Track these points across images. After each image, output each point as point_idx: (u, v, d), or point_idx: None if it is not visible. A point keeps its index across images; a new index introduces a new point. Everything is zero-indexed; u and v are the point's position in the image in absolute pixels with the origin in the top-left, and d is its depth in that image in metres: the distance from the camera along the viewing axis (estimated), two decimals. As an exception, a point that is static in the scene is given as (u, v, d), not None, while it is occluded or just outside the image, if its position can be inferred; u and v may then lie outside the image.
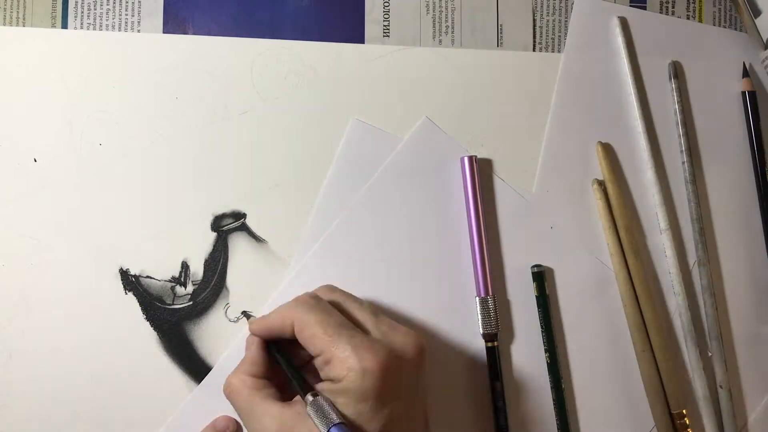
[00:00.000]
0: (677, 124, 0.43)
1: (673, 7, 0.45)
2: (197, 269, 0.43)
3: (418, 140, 0.43)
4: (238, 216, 0.43)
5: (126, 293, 0.42)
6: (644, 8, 0.45)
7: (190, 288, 0.43)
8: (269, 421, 0.33)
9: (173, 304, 0.42)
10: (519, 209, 0.43)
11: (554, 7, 0.45)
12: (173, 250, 0.43)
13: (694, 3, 0.45)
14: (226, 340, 0.42)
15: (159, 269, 0.43)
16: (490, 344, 0.42)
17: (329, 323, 0.34)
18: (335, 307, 0.36)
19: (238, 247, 0.43)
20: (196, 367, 0.42)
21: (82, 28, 0.44)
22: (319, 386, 0.34)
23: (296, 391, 0.34)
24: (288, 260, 0.43)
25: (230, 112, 0.43)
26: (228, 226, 0.43)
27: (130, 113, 0.43)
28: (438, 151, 0.43)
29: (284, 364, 0.36)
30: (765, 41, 0.42)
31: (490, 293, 0.42)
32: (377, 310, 0.37)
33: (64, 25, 0.44)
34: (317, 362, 0.34)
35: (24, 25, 0.44)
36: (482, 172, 0.43)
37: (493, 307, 0.42)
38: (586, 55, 0.44)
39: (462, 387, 0.42)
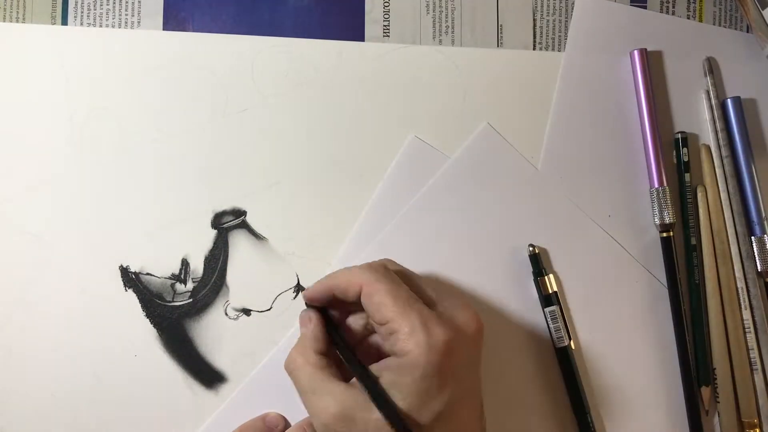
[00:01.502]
0: (713, 119, 0.44)
1: (673, 7, 0.45)
2: (197, 266, 0.43)
3: (477, 147, 0.43)
4: (239, 213, 0.43)
5: (126, 290, 0.42)
6: (644, 8, 0.45)
7: (190, 285, 0.43)
8: (331, 401, 0.32)
9: (173, 302, 0.42)
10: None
11: (554, 7, 0.45)
12: (173, 248, 0.43)
13: (694, 3, 0.45)
14: (226, 337, 0.42)
15: (159, 266, 0.43)
16: (665, 234, 0.42)
17: (398, 294, 0.33)
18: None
19: (239, 244, 0.43)
20: (195, 365, 0.42)
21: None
22: (383, 362, 0.33)
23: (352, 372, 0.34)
24: (287, 257, 0.43)
25: (231, 109, 0.43)
26: (228, 223, 0.43)
27: (131, 109, 0.43)
28: (497, 158, 0.43)
29: (340, 343, 0.35)
30: None
31: (664, 183, 0.42)
32: (438, 285, 0.36)
33: (64, 25, 0.44)
34: (381, 330, 0.34)
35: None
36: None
37: (668, 194, 0.42)
38: (588, 55, 0.44)
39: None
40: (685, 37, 0.44)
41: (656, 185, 0.43)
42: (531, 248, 0.42)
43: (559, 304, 0.42)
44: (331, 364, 0.35)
